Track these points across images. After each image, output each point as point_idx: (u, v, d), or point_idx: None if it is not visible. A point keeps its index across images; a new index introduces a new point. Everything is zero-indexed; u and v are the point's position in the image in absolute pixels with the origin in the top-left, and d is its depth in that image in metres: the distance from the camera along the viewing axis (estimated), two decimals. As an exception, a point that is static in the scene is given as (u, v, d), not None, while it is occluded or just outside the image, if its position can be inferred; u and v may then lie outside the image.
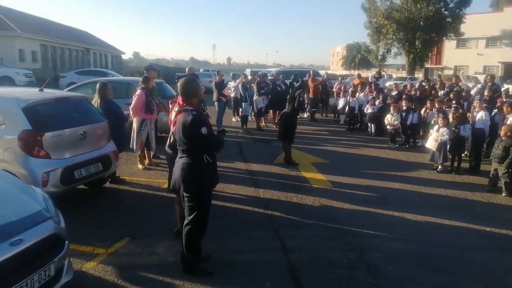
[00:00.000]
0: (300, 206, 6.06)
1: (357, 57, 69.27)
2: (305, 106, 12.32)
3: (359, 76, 17.05)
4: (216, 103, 12.38)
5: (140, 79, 8.11)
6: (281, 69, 27.88)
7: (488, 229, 5.33)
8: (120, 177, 7.10)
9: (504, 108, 8.56)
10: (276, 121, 13.88)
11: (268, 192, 6.65)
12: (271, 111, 14.19)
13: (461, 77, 16.43)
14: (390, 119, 10.82)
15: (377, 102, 12.30)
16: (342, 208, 6.00)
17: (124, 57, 68.85)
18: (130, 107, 7.67)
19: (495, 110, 9.22)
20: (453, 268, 4.28)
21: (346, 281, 3.94)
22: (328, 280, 3.96)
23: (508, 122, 7.82)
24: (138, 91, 7.68)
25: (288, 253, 4.49)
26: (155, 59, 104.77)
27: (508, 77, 31.96)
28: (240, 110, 13.32)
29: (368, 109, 12.48)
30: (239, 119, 13.94)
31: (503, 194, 6.76)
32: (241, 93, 12.97)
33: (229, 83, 14.64)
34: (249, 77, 15.47)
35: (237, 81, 14.13)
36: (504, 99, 10.05)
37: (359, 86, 14.02)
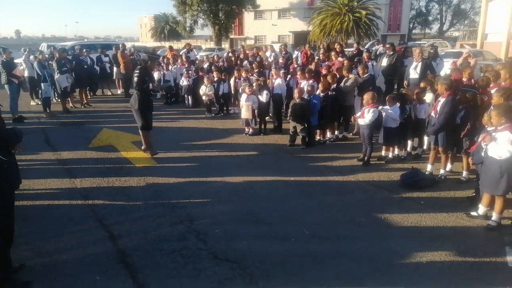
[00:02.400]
0: (124, 190, 5.84)
1: (166, 28, 68.34)
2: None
3: (170, 48, 16.93)
4: (6, 86, 10.52)
5: None
6: (82, 42, 25.23)
7: (292, 178, 6.25)
8: None
9: (298, 74, 9.81)
10: (84, 102, 12.76)
11: (86, 180, 6.16)
12: (77, 90, 12.87)
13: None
14: (204, 90, 11.24)
15: (191, 74, 12.56)
16: (168, 183, 6.06)
17: None
18: None
19: (289, 76, 10.58)
20: (270, 218, 4.89)
21: (179, 253, 4.07)
22: (161, 256, 4.01)
23: (301, 86, 9.11)
24: None
25: (116, 241, 4.32)
26: None
27: (297, 45, 36.93)
28: (40, 91, 11.65)
29: (183, 82, 12.64)
30: (39, 102, 12.20)
31: (301, 147, 7.96)
32: (38, 72, 11.29)
33: (20, 61, 12.56)
34: (46, 53, 13.57)
35: (31, 58, 12.23)
36: (295, 65, 11.64)
37: (167, 58, 14.00)
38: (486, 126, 4.67)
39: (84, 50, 14.22)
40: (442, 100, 5.69)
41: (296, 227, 4.66)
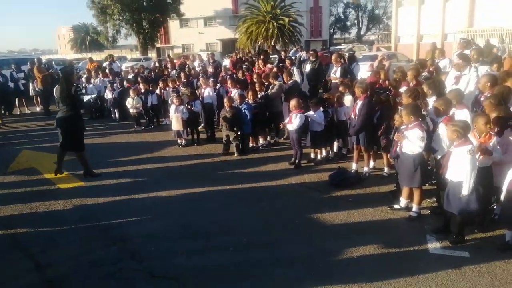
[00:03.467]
0: (50, 214, 5.48)
1: (86, 39, 65.25)
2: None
3: (91, 60, 16.21)
4: None
5: None
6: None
7: (228, 187, 6.29)
8: None
9: (228, 82, 9.81)
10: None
11: (6, 208, 5.67)
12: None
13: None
14: (131, 103, 10.90)
15: (115, 87, 12.12)
16: (98, 203, 5.79)
17: None
18: None
19: (219, 84, 10.64)
20: (207, 229, 4.88)
21: (113, 277, 3.91)
22: (95, 282, 3.83)
23: (231, 94, 9.19)
24: None
25: (44, 270, 4.04)
26: None
27: (226, 52, 37.25)
28: None
29: (108, 95, 12.15)
30: None
31: (235, 155, 8.04)
32: None
33: None
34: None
35: None
36: (224, 74, 11.74)
37: (93, 71, 13.39)
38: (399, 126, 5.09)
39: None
40: (359, 102, 6.11)
41: (234, 236, 4.70)
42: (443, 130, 4.58)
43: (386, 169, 6.44)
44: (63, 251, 4.43)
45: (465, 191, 4.00)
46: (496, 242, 4.22)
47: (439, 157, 4.69)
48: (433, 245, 4.25)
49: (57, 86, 6.66)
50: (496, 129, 4.34)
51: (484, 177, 4.27)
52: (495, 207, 4.69)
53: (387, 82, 7.26)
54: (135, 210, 5.52)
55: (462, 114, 4.85)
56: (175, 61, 16.25)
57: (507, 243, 4.13)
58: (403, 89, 6.44)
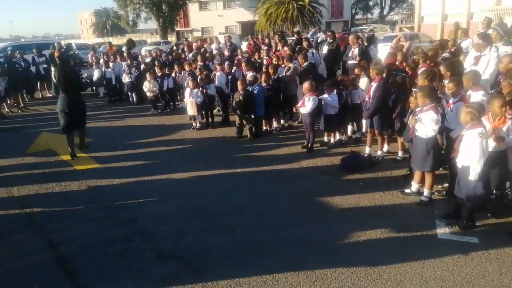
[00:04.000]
0: (65, 194, 5.65)
1: (108, 23, 65.78)
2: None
3: (110, 44, 16.37)
4: None
5: None
6: (16, 42, 23.69)
7: (239, 170, 6.31)
8: None
9: (243, 65, 9.79)
10: (21, 106, 12.10)
11: (24, 188, 5.88)
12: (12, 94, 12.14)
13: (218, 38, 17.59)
14: (148, 86, 11.00)
15: (132, 70, 12.23)
16: (111, 185, 5.92)
17: None
18: None
19: (235, 68, 10.59)
20: (216, 211, 4.94)
21: (122, 255, 4.01)
22: (105, 260, 3.95)
23: (247, 78, 9.11)
24: None
25: (56, 248, 4.20)
26: None
27: (245, 35, 36.96)
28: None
29: (125, 79, 12.28)
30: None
31: (249, 137, 8.04)
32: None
33: None
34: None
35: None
36: (240, 57, 11.65)
37: (107, 55, 13.53)
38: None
39: (16, 52, 13.38)
40: (374, 84, 5.97)
41: (242, 217, 4.74)
42: (459, 108, 4.42)
43: (400, 153, 6.32)
44: (75, 230, 4.57)
45: (472, 176, 3.88)
46: (507, 229, 4.11)
47: (454, 136, 4.54)
48: (442, 231, 4.17)
49: (54, 71, 6.80)
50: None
51: (498, 162, 4.13)
52: (509, 192, 4.54)
53: (404, 64, 7.04)
54: (148, 192, 5.62)
55: (477, 96, 4.67)
56: (193, 44, 16.21)
57: (519, 229, 4.02)
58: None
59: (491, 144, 4.06)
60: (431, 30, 26.44)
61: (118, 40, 43.87)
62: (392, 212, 4.71)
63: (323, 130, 7.21)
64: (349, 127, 7.51)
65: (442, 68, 5.49)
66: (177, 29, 50.23)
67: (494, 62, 5.74)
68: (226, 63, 10.20)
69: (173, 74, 11.09)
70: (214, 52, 13.30)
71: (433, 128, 4.55)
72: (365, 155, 6.42)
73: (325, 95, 6.88)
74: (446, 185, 5.10)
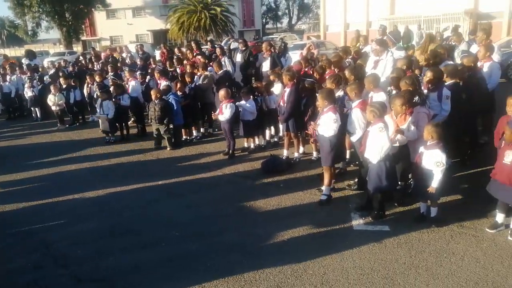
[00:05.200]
0: (-40, 225, 4.99)
1: (2, 33, 59.79)
2: None
3: (5, 57, 14.89)
4: None
5: None
6: None
7: (160, 182, 6.14)
8: None
9: (156, 74, 9.51)
10: None
11: None
12: None
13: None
14: (53, 100, 10.21)
15: (35, 83, 11.26)
16: (17, 209, 5.39)
17: None
18: None
19: (148, 77, 10.29)
20: (138, 227, 4.74)
21: (35, 284, 3.67)
22: (14, 293, 3.57)
23: (160, 87, 8.90)
24: None
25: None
26: None
27: (158, 44, 36.06)
28: None
29: (27, 93, 11.27)
30: None
31: (168, 149, 7.85)
32: None
33: None
34: None
35: None
36: (153, 65, 11.36)
37: (3, 68, 12.34)
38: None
39: None
40: (287, 90, 6.23)
41: (166, 230, 4.62)
42: (356, 113, 4.82)
43: (314, 154, 6.65)
44: (-23, 264, 4.07)
45: (374, 160, 4.25)
46: (413, 215, 4.56)
47: (355, 140, 4.95)
48: (357, 222, 4.50)
49: None
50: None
51: (402, 156, 4.58)
52: (411, 182, 5.05)
53: (312, 70, 7.46)
54: (60, 214, 5.21)
55: (379, 96, 5.12)
56: (102, 54, 15.41)
57: (422, 214, 4.48)
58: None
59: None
60: (336, 38, 28.37)
61: (16, 52, 40.01)
62: (312, 209, 4.94)
63: (242, 136, 7.33)
64: (267, 132, 7.74)
65: (346, 72, 5.93)
66: (83, 38, 47.36)
67: (391, 65, 6.35)
68: (138, 72, 9.88)
69: (85, 86, 10.44)
70: (127, 61, 12.78)
71: (332, 128, 4.80)
72: (284, 157, 6.66)
73: (243, 102, 7.01)
74: (356, 180, 5.48)
